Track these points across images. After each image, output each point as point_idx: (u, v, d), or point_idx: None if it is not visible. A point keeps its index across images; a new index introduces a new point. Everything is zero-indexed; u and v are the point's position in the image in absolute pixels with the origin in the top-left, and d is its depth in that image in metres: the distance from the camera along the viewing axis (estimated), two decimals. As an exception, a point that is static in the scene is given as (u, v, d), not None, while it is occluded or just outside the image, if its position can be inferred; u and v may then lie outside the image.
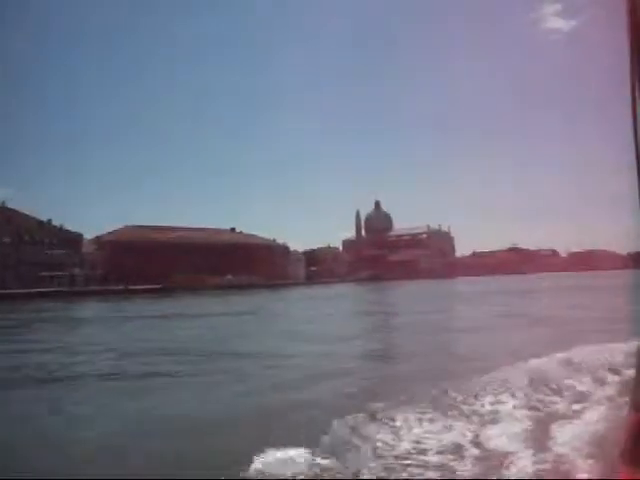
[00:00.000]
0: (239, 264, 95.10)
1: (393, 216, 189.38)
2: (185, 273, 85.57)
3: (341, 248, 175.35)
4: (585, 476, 4.38)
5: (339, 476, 4.68)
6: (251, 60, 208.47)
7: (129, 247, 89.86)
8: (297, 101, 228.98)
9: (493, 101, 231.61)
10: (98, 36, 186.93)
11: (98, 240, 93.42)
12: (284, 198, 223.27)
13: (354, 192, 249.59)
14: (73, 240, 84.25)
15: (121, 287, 75.64)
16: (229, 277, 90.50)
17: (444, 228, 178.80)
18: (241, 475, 4.72)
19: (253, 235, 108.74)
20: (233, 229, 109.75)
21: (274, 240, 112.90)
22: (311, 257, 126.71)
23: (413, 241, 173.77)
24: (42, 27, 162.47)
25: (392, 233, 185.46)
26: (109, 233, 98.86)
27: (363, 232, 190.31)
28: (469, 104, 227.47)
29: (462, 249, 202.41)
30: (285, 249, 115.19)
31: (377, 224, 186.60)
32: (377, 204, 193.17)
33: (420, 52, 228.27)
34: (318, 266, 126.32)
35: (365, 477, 4.64)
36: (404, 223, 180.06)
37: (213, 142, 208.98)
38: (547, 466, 4.63)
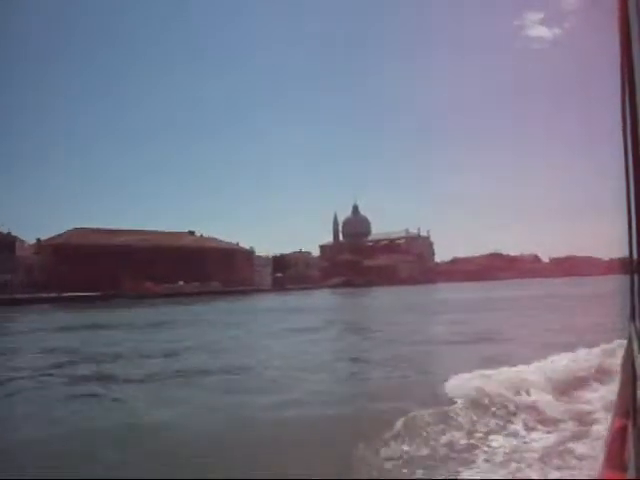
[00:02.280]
0: (195, 270, 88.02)
1: (372, 220, 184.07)
2: (131, 279, 78.46)
3: (318, 253, 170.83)
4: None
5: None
6: (221, 60, 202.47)
7: (72, 251, 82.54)
8: (273, 101, 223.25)
9: (475, 106, 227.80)
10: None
11: (39, 244, 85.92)
12: (261, 202, 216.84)
13: (332, 196, 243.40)
14: (6, 243, 76.68)
15: (53, 295, 68.55)
16: (180, 284, 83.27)
17: (423, 232, 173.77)
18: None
19: (213, 239, 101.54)
20: (192, 232, 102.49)
21: (237, 244, 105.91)
22: (280, 262, 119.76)
23: (390, 246, 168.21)
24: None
25: (369, 238, 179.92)
26: (58, 236, 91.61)
27: (341, 237, 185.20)
28: (451, 109, 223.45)
29: (442, 254, 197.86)
30: (249, 253, 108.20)
31: (355, 228, 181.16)
32: (355, 208, 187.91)
33: (402, 57, 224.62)
34: (287, 272, 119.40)
35: None
36: (384, 227, 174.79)
37: (178, 140, 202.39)
38: None
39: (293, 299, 62.45)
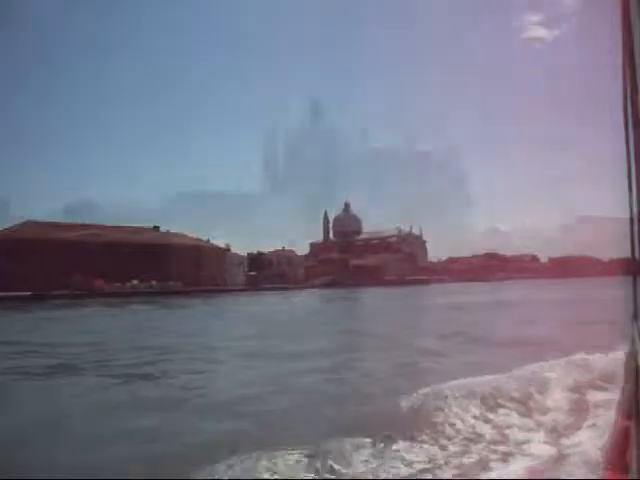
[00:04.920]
0: (154, 267, 79.44)
1: (364, 219, 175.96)
2: (79, 276, 70.30)
3: (308, 251, 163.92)
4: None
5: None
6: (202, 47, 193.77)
7: (15, 246, 74.37)
8: (264, 91, 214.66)
9: (471, 105, 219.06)
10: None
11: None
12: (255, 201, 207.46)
13: (323, 193, 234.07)
14: None
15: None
16: (134, 282, 74.79)
17: (416, 231, 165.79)
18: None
19: (180, 234, 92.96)
20: (157, 227, 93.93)
21: (208, 240, 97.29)
22: (256, 261, 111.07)
23: (381, 245, 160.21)
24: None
25: (359, 237, 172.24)
26: (4, 229, 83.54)
27: (331, 235, 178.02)
28: (447, 106, 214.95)
29: (438, 253, 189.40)
30: (221, 251, 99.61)
31: (345, 226, 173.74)
32: (346, 206, 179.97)
33: (399, 56, 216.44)
34: (265, 271, 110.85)
35: None
36: (375, 226, 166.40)
37: (157, 126, 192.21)
38: None
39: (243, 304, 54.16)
